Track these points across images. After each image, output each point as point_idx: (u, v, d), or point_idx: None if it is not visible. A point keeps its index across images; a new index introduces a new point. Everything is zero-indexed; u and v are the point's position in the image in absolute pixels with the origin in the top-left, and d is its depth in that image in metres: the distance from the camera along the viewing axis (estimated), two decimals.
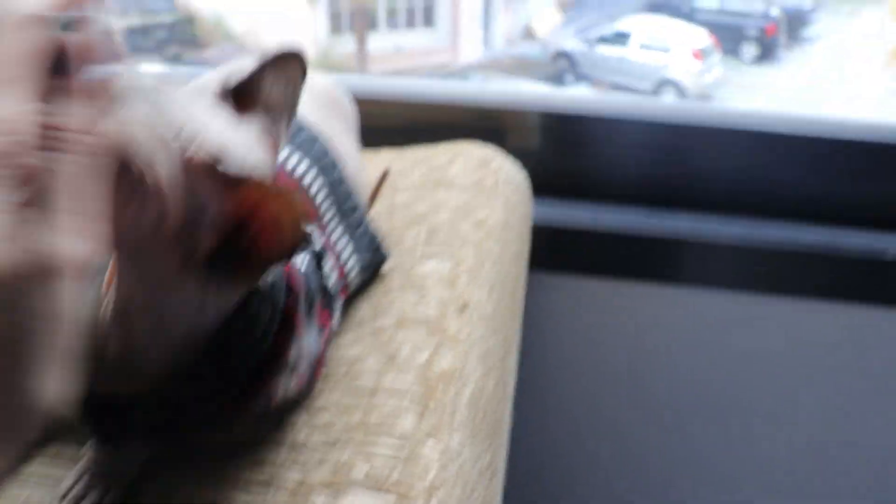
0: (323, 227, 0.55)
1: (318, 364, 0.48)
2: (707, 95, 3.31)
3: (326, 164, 0.60)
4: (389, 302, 0.56)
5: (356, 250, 0.58)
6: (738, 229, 0.75)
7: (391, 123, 0.85)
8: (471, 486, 0.45)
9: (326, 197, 0.58)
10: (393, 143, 0.74)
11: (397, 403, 0.50)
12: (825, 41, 2.85)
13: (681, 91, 3.31)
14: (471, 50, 3.94)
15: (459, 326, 0.52)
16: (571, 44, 3.62)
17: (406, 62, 3.98)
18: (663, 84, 3.32)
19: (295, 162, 0.57)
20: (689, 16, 3.29)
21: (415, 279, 0.56)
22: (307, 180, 0.58)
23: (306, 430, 0.50)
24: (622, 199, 0.78)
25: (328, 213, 0.57)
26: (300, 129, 0.60)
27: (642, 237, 0.73)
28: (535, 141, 0.76)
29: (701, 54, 3.36)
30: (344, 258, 0.55)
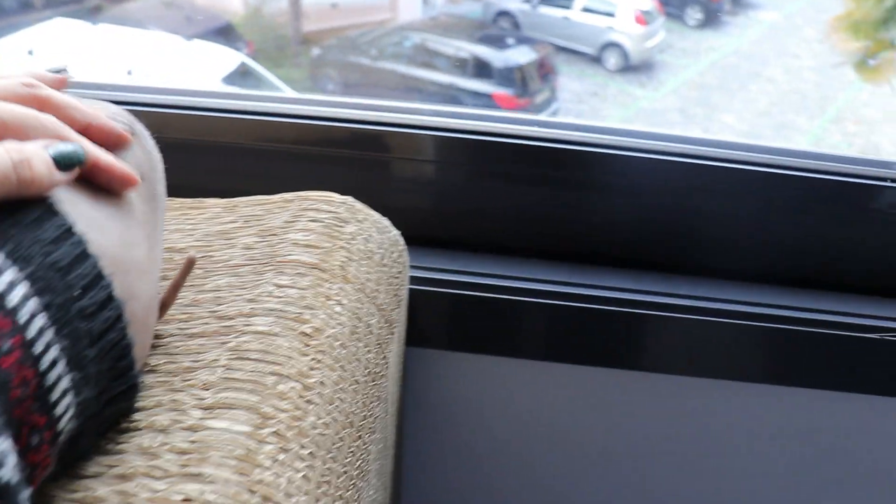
0: (30, 359, 0.31)
1: None
2: (650, 59, 3.26)
3: (32, 237, 0.34)
4: (150, 498, 0.33)
5: (82, 382, 0.33)
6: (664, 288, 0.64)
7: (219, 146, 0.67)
8: None
9: (37, 296, 0.33)
10: (217, 178, 0.59)
11: None
12: (770, 9, 2.81)
13: (624, 54, 3.25)
14: (411, 8, 3.85)
15: None
16: (514, 3, 3.56)
17: (343, 20, 3.87)
18: (606, 47, 3.25)
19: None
20: None
21: (194, 454, 0.36)
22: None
23: None
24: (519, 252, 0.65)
25: (37, 324, 0.33)
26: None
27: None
28: (427, 173, 0.65)
29: (644, 18, 3.30)
30: (53, 397, 0.33)
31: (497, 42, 3.30)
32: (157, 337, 0.42)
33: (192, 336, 0.42)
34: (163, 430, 0.36)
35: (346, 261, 0.46)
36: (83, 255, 0.35)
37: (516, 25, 3.47)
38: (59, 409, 0.32)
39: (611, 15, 3.21)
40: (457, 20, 3.63)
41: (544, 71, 3.13)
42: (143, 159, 0.42)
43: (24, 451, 0.30)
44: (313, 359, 0.40)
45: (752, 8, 2.96)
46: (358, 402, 0.42)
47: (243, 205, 0.51)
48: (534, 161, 0.62)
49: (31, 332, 0.31)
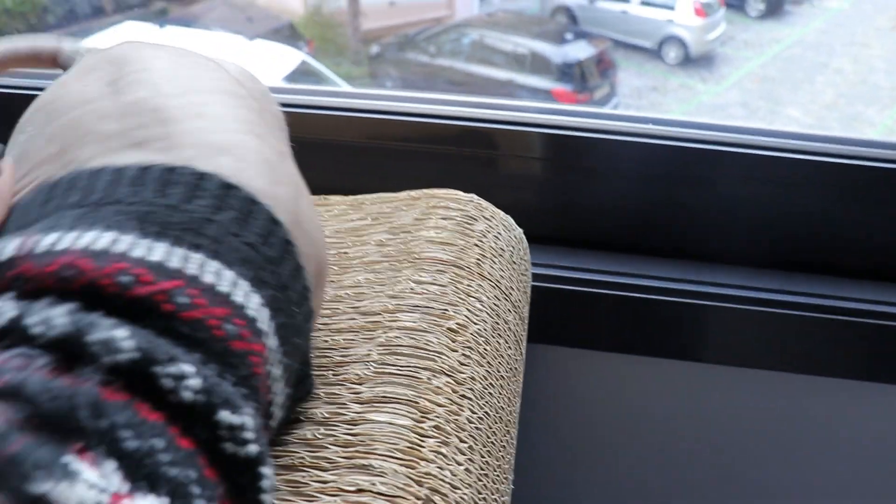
0: (258, 369, 0.33)
1: None
2: (711, 52, 3.21)
3: (265, 257, 0.37)
4: (321, 486, 0.36)
5: (286, 394, 0.38)
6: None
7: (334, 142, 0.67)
8: None
9: (273, 314, 0.35)
10: (330, 178, 0.58)
11: None
12: None
13: (684, 47, 3.21)
14: (468, 5, 3.85)
15: None
16: None
17: (401, 18, 3.89)
18: (666, 41, 3.22)
19: (213, 271, 0.35)
20: None
21: (359, 447, 0.37)
22: (238, 297, 0.34)
23: None
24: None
25: (272, 342, 0.34)
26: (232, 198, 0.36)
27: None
28: (535, 171, 0.65)
29: (704, 10, 3.25)
30: (274, 408, 0.35)
31: (555, 38, 3.29)
32: None
33: (338, 331, 0.43)
34: (323, 423, 0.37)
35: (481, 258, 0.47)
36: (298, 268, 0.36)
37: (574, 20, 3.45)
38: (275, 395, 0.34)
39: (670, 8, 3.17)
40: (514, 16, 3.63)
41: (603, 66, 3.11)
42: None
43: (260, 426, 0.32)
44: (462, 354, 0.40)
45: None
46: (504, 397, 0.43)
47: (369, 202, 0.52)
48: (650, 159, 0.63)
49: (270, 346, 0.33)
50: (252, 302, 0.33)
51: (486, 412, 0.40)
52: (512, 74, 3.24)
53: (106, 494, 0.26)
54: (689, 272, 0.63)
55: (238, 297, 0.33)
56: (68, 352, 0.28)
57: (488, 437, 0.39)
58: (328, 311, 0.43)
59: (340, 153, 0.65)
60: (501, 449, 0.41)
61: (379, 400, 0.37)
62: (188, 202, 0.34)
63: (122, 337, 0.29)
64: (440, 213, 0.49)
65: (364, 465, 0.34)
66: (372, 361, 0.40)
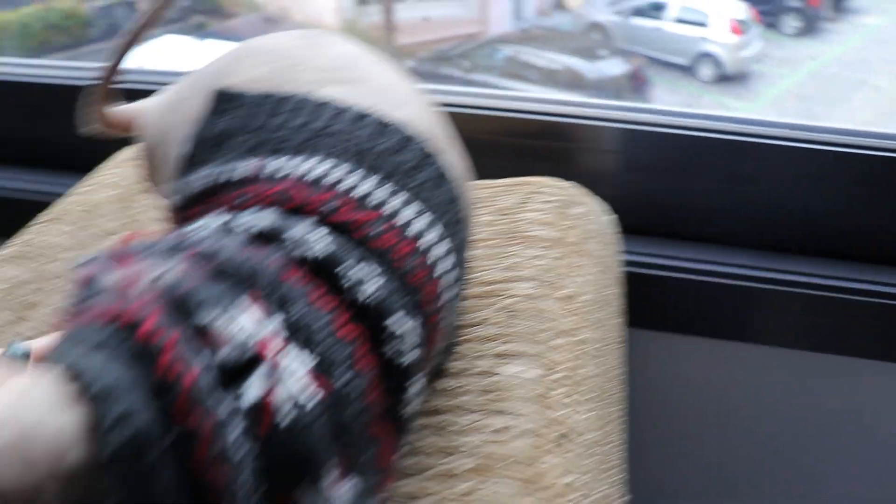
0: (436, 312, 0.39)
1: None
2: (745, 70, 3.22)
3: (454, 217, 0.41)
4: (463, 427, 0.39)
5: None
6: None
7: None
8: None
9: (453, 268, 0.41)
10: None
11: None
12: (876, 13, 2.74)
13: (719, 65, 3.23)
14: (501, 21, 3.88)
15: (561, 472, 0.37)
16: (605, 15, 3.55)
17: (434, 33, 3.93)
18: (700, 58, 3.23)
19: (412, 214, 0.39)
20: None
21: (494, 393, 0.40)
22: (428, 241, 0.40)
23: None
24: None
25: (448, 291, 0.40)
26: (422, 153, 0.41)
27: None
28: (612, 165, 0.69)
29: (740, 27, 3.27)
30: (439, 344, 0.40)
31: (589, 54, 3.31)
32: None
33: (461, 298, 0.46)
34: (458, 375, 0.41)
35: (583, 238, 0.51)
36: (468, 238, 0.41)
37: (608, 37, 3.48)
38: (438, 336, 0.38)
39: (704, 25, 3.19)
40: (548, 32, 3.65)
41: (637, 82, 3.13)
42: None
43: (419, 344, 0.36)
44: (575, 319, 0.44)
45: (854, 13, 2.88)
46: (613, 359, 0.46)
47: (472, 187, 0.56)
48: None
49: (445, 297, 0.37)
50: (435, 243, 0.38)
51: (601, 370, 0.43)
52: (546, 90, 3.27)
53: (264, 330, 0.30)
54: (758, 259, 0.66)
55: (425, 238, 0.38)
56: (266, 239, 0.33)
57: (604, 392, 0.43)
58: None
59: None
60: (616, 404, 0.45)
61: (507, 355, 0.41)
62: (397, 153, 0.39)
63: (315, 239, 0.34)
64: (540, 198, 0.53)
65: (502, 409, 0.38)
66: (494, 324, 0.44)
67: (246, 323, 0.30)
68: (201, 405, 0.28)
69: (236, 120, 0.43)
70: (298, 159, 0.40)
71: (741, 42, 3.20)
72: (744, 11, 3.12)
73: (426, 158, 0.42)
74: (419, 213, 0.39)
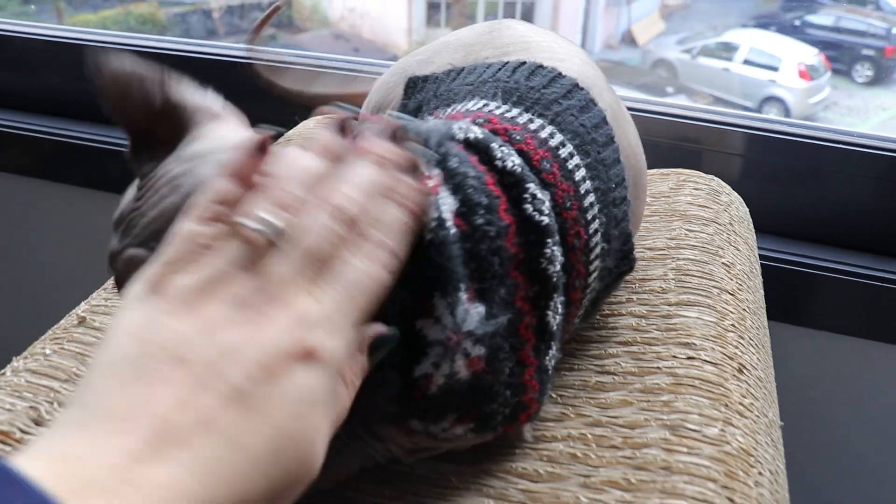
0: (583, 220, 0.46)
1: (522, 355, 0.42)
2: (813, 116, 3.24)
3: (592, 138, 0.49)
4: (655, 355, 0.46)
5: (606, 253, 0.48)
6: None
7: None
8: None
9: (590, 178, 0.48)
10: None
11: (699, 490, 0.42)
12: None
13: (785, 109, 3.25)
14: None
15: (741, 395, 0.43)
16: (673, 53, 3.59)
17: None
18: (767, 100, 3.26)
19: (547, 133, 0.48)
20: (801, 31, 3.20)
21: (679, 331, 0.47)
22: (564, 153, 0.49)
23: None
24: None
25: (589, 198, 0.48)
26: (571, 86, 0.51)
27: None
28: (738, 168, 0.76)
29: (809, 73, 3.29)
30: (592, 256, 0.47)
31: (655, 91, 3.36)
32: None
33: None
34: (643, 317, 0.48)
35: (731, 221, 0.58)
36: (618, 160, 0.49)
37: (675, 74, 3.52)
38: (592, 267, 0.46)
39: (774, 69, 3.22)
40: (614, 66, 3.70)
41: None
42: None
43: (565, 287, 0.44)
44: (736, 282, 0.51)
45: None
46: (764, 321, 0.53)
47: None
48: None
49: (586, 202, 0.46)
50: (570, 156, 0.47)
51: (758, 325, 0.50)
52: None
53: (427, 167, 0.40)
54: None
55: (560, 151, 0.46)
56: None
57: (761, 342, 0.50)
58: None
59: None
60: (768, 355, 0.52)
61: (684, 303, 0.48)
62: (546, 87, 0.49)
63: (475, 131, 0.43)
64: (692, 185, 0.61)
65: (687, 342, 0.45)
66: (668, 279, 0.51)
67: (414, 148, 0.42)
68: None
69: (427, 93, 0.53)
70: (462, 103, 0.52)
71: (810, 88, 3.22)
72: (815, 57, 3.14)
73: (589, 104, 0.51)
74: (559, 132, 0.49)
